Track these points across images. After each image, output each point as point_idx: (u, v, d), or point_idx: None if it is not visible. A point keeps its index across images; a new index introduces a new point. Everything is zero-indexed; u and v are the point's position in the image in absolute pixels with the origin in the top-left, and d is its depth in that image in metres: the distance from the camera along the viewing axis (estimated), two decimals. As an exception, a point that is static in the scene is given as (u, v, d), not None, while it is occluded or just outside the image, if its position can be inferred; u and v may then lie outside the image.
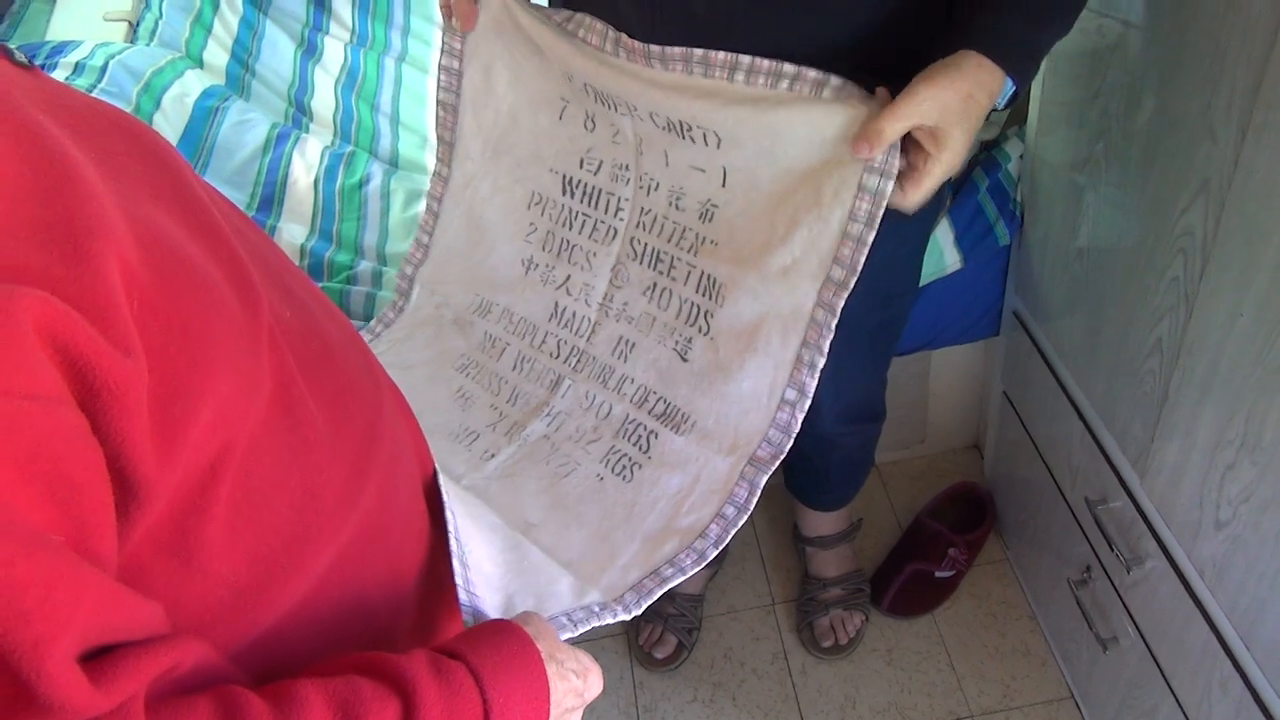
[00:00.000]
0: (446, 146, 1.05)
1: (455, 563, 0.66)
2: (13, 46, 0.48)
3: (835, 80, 0.75)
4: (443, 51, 1.01)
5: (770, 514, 1.71)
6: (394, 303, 1.09)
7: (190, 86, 1.50)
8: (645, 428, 0.88)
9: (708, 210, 0.87)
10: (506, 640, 0.54)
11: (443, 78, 1.02)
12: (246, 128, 1.47)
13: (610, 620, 0.75)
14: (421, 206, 1.36)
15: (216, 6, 1.72)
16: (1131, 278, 1.03)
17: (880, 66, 0.79)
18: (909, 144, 0.77)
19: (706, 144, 0.83)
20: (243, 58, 1.66)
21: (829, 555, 1.55)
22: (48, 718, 0.35)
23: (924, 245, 1.15)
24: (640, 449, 0.88)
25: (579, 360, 0.96)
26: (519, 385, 0.98)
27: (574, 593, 0.76)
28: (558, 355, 0.97)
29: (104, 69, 1.46)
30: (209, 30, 1.68)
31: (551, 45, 0.91)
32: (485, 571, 0.71)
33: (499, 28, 0.96)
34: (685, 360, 0.88)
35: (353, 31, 1.75)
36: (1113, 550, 1.13)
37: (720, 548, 0.79)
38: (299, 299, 0.56)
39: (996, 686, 1.47)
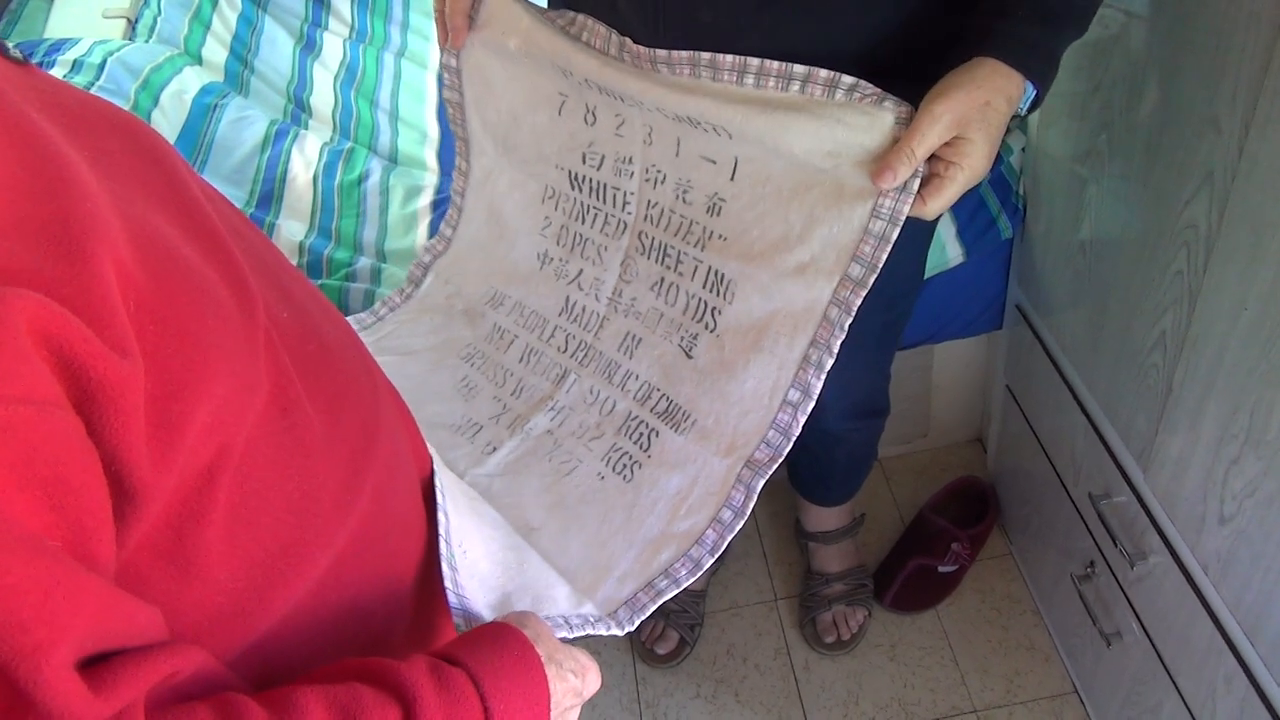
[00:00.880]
0: (463, 142, 1.05)
1: (444, 566, 0.65)
2: (9, 42, 0.48)
3: (847, 80, 0.73)
4: (444, 50, 1.01)
5: (772, 509, 1.71)
6: (402, 289, 1.08)
7: (189, 83, 1.50)
8: (647, 425, 0.88)
9: (715, 204, 0.86)
10: (507, 646, 0.54)
11: (445, 76, 1.02)
12: (245, 124, 1.46)
13: (604, 633, 0.74)
14: (423, 200, 1.36)
15: (215, 3, 1.71)
16: (1135, 271, 1.03)
17: (889, 69, 0.78)
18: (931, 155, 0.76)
19: (718, 134, 0.82)
20: (242, 54, 1.65)
21: (831, 550, 1.54)
22: None
23: (927, 243, 1.14)
24: (641, 447, 0.87)
25: (585, 355, 0.95)
26: (524, 378, 0.97)
27: (570, 602, 0.76)
28: (565, 349, 0.97)
29: (102, 66, 1.45)
30: (208, 27, 1.68)
31: (549, 45, 0.90)
32: (481, 571, 0.70)
33: (489, 42, 0.96)
34: (690, 357, 0.87)
35: (352, 27, 1.74)
36: (1116, 545, 1.13)
37: (716, 556, 0.79)
38: (296, 300, 0.56)
39: (1000, 682, 1.47)
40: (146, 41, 1.61)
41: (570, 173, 0.97)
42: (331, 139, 1.52)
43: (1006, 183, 1.28)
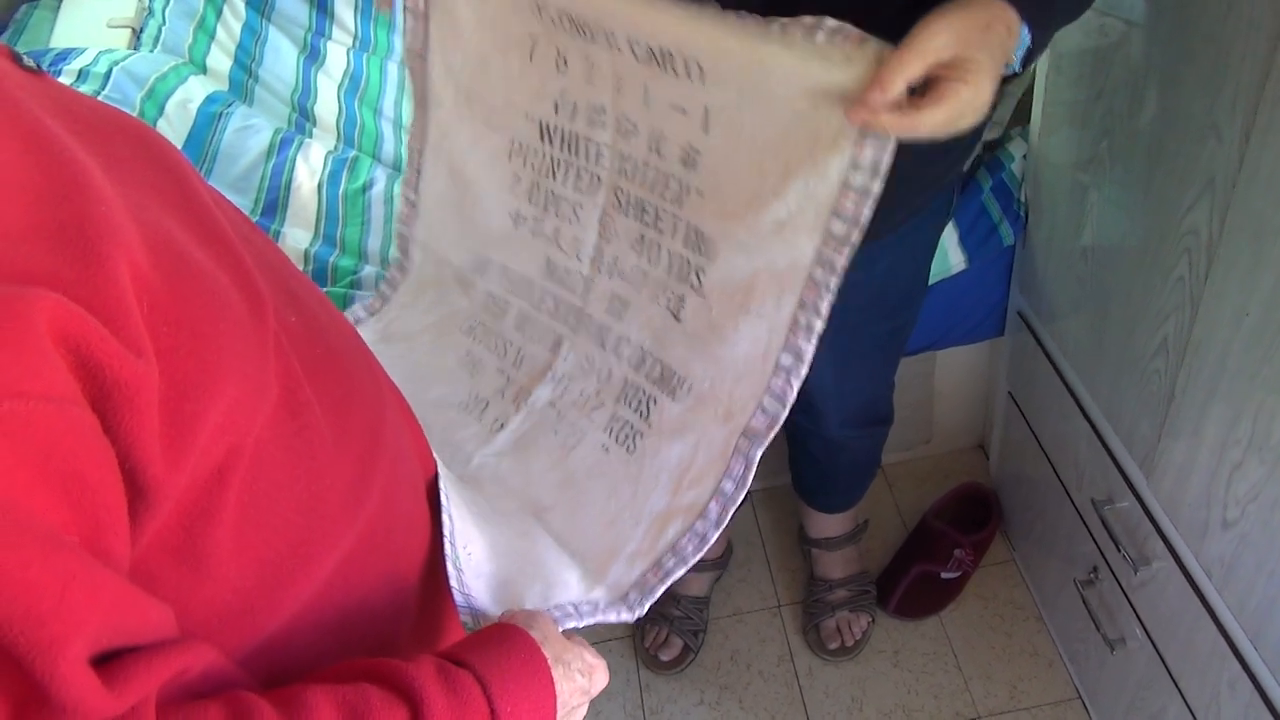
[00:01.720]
0: (420, 99, 0.99)
1: (449, 566, 0.66)
2: (20, 52, 0.48)
3: (830, 22, 0.68)
4: None
5: (775, 516, 1.71)
6: (399, 263, 1.06)
7: (194, 92, 1.51)
8: (644, 392, 0.86)
9: (690, 156, 0.81)
10: (514, 648, 0.54)
11: (409, 21, 0.96)
12: (250, 133, 1.47)
13: (614, 619, 0.74)
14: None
15: (219, 12, 1.72)
16: (1137, 277, 1.03)
17: (882, 23, 0.71)
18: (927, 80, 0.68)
19: (690, 77, 0.76)
20: (246, 63, 1.66)
21: (835, 557, 1.54)
22: (61, 719, 0.35)
23: (931, 251, 1.13)
24: (641, 415, 0.86)
25: (577, 319, 0.93)
26: (523, 346, 0.96)
27: (581, 587, 0.76)
28: (556, 314, 0.95)
29: (108, 75, 1.46)
30: (212, 36, 1.68)
31: None
32: (487, 570, 0.71)
33: None
34: (679, 320, 0.84)
35: (355, 36, 1.75)
36: (1120, 551, 1.13)
37: (720, 528, 0.77)
38: (303, 304, 0.56)
39: (1003, 688, 1.47)
40: (151, 51, 1.62)
41: (541, 123, 0.91)
42: (336, 147, 1.53)
43: (1008, 190, 1.28)
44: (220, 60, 1.65)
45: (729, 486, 0.78)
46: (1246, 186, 0.82)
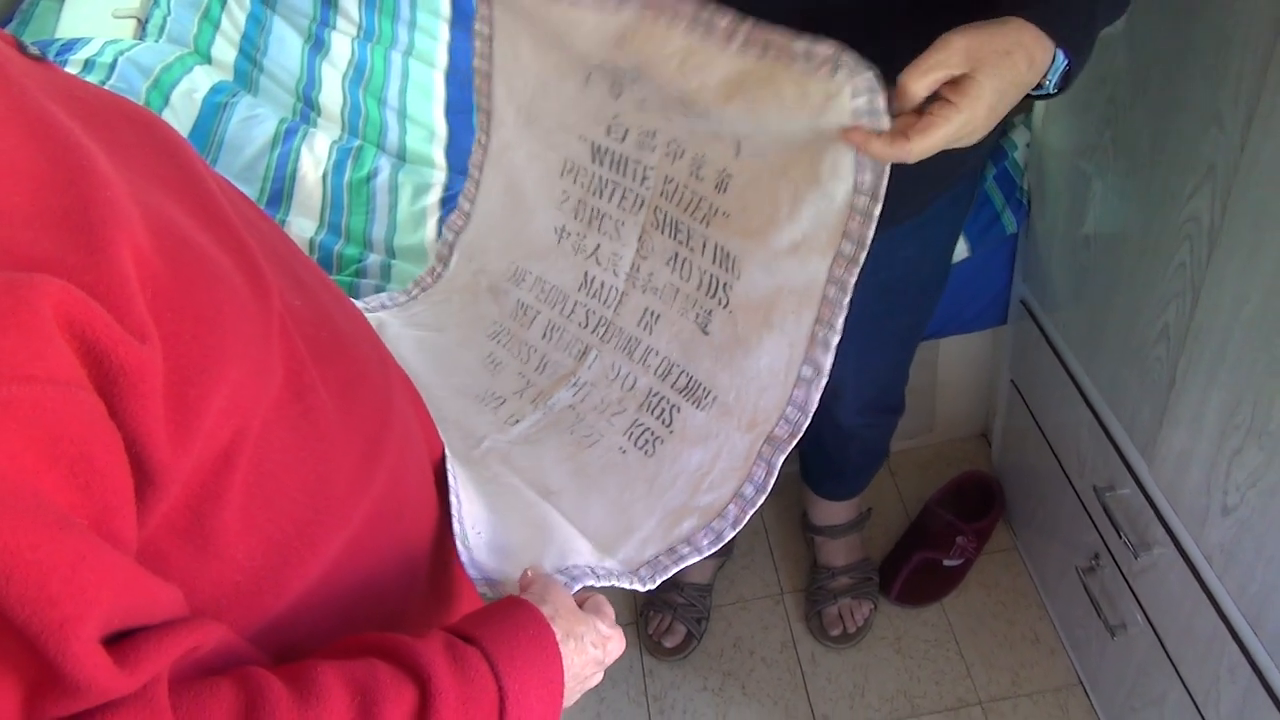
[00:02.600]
0: (484, 114, 1.04)
1: (459, 545, 0.67)
2: (24, 40, 0.49)
3: (799, 45, 0.70)
4: (475, 17, 1.00)
5: (779, 503, 1.72)
6: (432, 269, 1.09)
7: (199, 82, 1.51)
8: (668, 401, 0.88)
9: (723, 181, 0.86)
10: (522, 624, 0.55)
11: (477, 44, 1.01)
12: (255, 123, 1.48)
13: (626, 586, 0.75)
14: (431, 198, 1.37)
15: (225, 3, 1.73)
16: (1138, 264, 1.03)
17: (887, 29, 0.72)
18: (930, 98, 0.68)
19: (709, 119, 0.83)
20: (251, 53, 1.66)
21: (838, 544, 1.55)
22: (74, 699, 0.35)
23: (952, 242, 1.13)
24: (663, 423, 0.88)
25: (606, 331, 0.96)
26: (548, 354, 0.98)
27: (594, 556, 0.77)
28: (586, 325, 0.97)
29: (113, 66, 1.46)
30: (217, 26, 1.69)
31: (562, 19, 0.89)
32: (500, 544, 0.72)
33: (522, 9, 0.95)
34: (706, 333, 0.88)
35: (360, 26, 1.75)
36: (1121, 537, 1.14)
37: (738, 529, 0.79)
38: (309, 287, 0.57)
39: (1005, 674, 1.48)
40: (157, 41, 1.62)
41: (593, 145, 0.96)
42: (340, 137, 1.54)
43: (1011, 178, 1.29)
44: (225, 50, 1.65)
45: (749, 490, 0.81)
46: (1248, 174, 0.82)
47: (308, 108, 1.60)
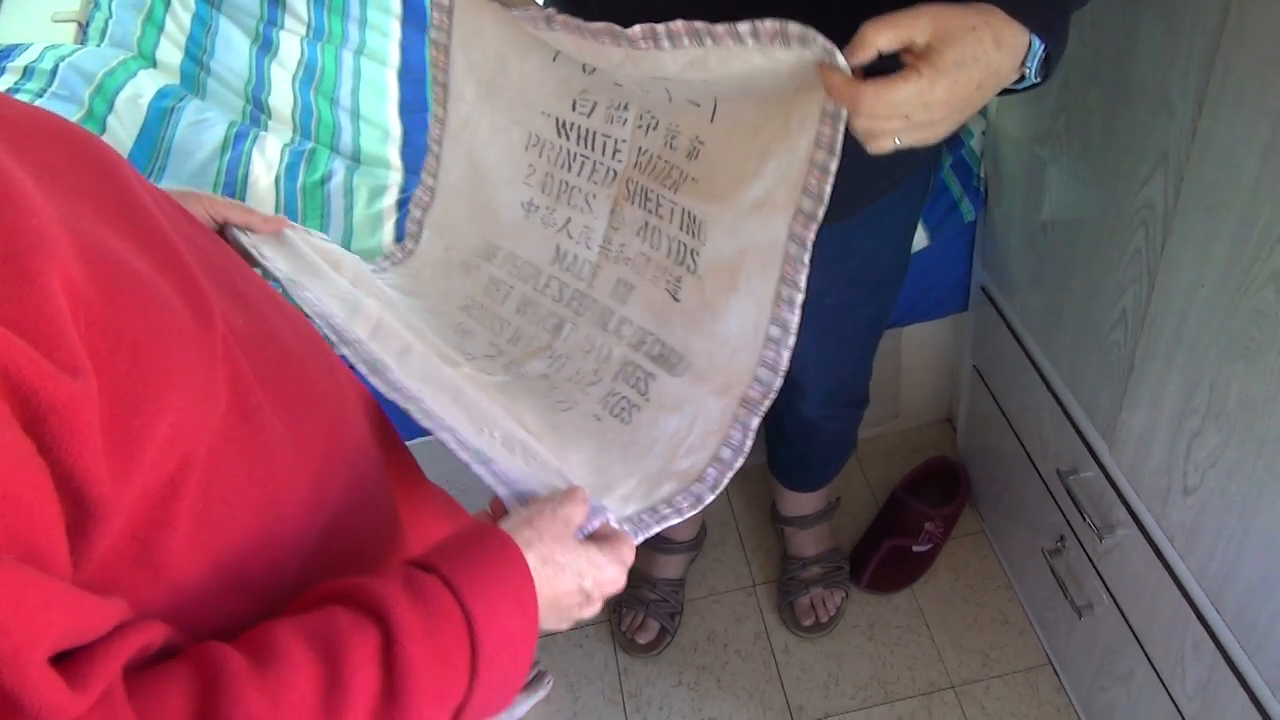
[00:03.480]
0: (441, 88, 1.02)
1: (478, 470, 0.65)
2: None
3: (743, 26, 0.69)
4: None
5: (748, 495, 1.72)
6: (404, 245, 1.07)
7: (144, 87, 1.48)
8: (643, 370, 0.88)
9: (695, 148, 0.86)
10: (484, 545, 0.52)
11: (435, 15, 1.00)
12: (204, 127, 1.44)
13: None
14: (388, 200, 1.35)
15: (168, 3, 1.69)
16: (1095, 250, 1.04)
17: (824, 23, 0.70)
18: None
19: (694, 84, 0.82)
20: (197, 55, 1.63)
21: (807, 535, 1.56)
22: None
23: (910, 233, 1.13)
24: (639, 391, 0.87)
25: (580, 303, 0.95)
26: (522, 327, 0.97)
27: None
28: (560, 299, 0.97)
29: (54, 72, 1.43)
30: (161, 28, 1.65)
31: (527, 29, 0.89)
32: (519, 437, 0.71)
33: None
34: (677, 300, 0.88)
35: (308, 25, 1.72)
36: (1085, 519, 1.15)
37: (717, 492, 0.79)
38: (253, 304, 0.56)
39: (976, 657, 1.49)
40: (99, 45, 1.58)
41: (558, 120, 0.95)
42: (292, 140, 1.51)
43: (968, 166, 1.29)
44: (170, 53, 1.62)
45: (727, 454, 0.81)
46: (1199, 160, 0.83)
47: (258, 110, 1.57)
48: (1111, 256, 1.01)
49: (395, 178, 1.42)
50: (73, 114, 1.38)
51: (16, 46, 1.49)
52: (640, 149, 0.91)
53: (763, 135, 0.78)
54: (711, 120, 0.83)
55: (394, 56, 1.67)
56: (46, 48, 1.48)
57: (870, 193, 0.97)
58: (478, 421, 0.72)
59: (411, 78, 1.62)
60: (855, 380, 1.31)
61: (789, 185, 0.77)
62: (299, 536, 0.53)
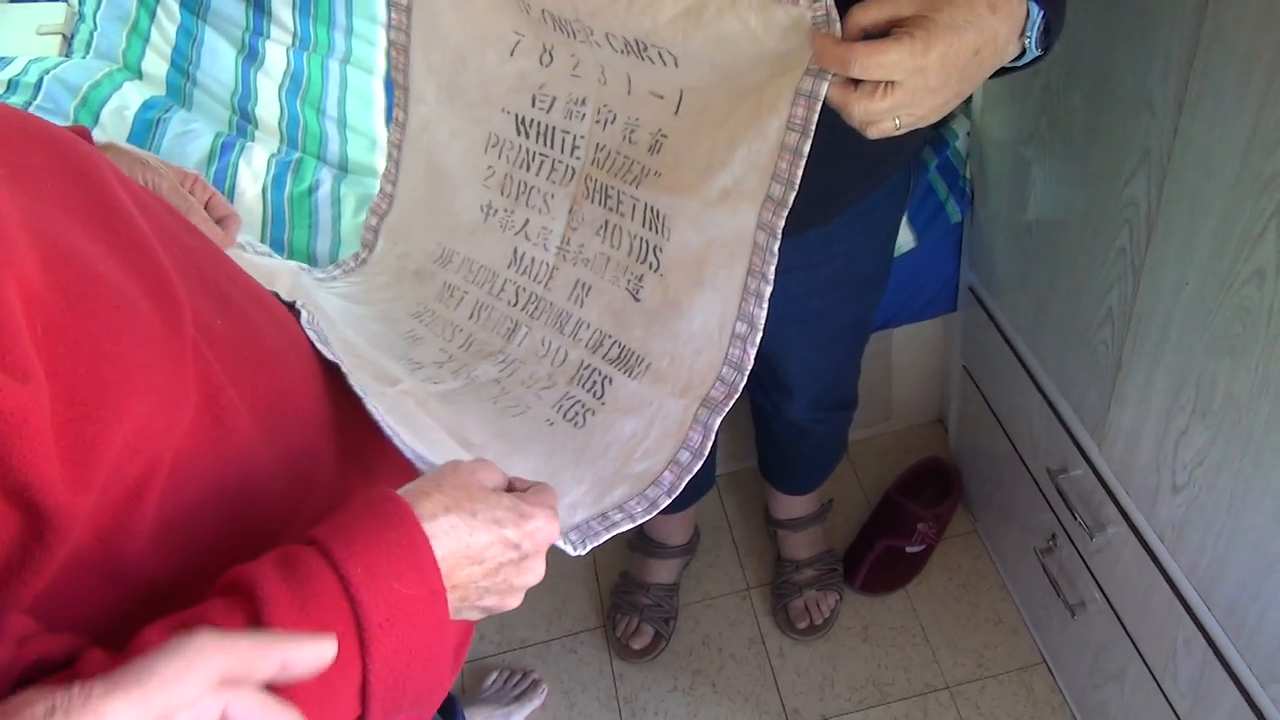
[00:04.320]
0: (402, 90, 1.00)
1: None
2: None
3: None
4: None
5: (741, 499, 1.72)
6: (356, 254, 1.05)
7: (129, 99, 1.47)
8: (600, 373, 0.86)
9: (657, 141, 0.83)
10: (366, 506, 0.48)
11: (394, 16, 0.97)
12: (190, 138, 1.44)
13: (557, 544, 0.68)
14: (376, 180, 1.34)
15: (153, 15, 1.68)
16: (1080, 250, 1.05)
17: None
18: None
19: (665, 64, 0.79)
20: (183, 66, 1.62)
21: (800, 537, 1.56)
22: None
23: (892, 235, 1.13)
24: (594, 395, 0.85)
25: (536, 307, 0.93)
26: (474, 333, 0.95)
27: None
28: (515, 303, 0.94)
29: (39, 85, 1.42)
30: (146, 40, 1.64)
31: None
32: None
33: None
34: (637, 300, 0.85)
35: (294, 35, 1.72)
36: (1075, 518, 1.15)
37: (673, 496, 0.76)
38: (235, 304, 0.55)
39: (971, 657, 1.49)
40: (84, 57, 1.58)
41: (517, 117, 0.93)
42: (279, 150, 1.50)
43: (953, 167, 1.30)
44: (156, 64, 1.61)
45: (685, 456, 0.78)
46: (1180, 158, 0.83)
47: (244, 120, 1.56)
48: (1097, 255, 1.01)
49: (382, 186, 1.42)
50: (58, 127, 1.37)
51: (0, 60, 1.48)
52: (598, 145, 0.88)
53: (731, 123, 0.75)
54: (676, 112, 0.80)
55: (380, 65, 1.67)
56: (31, 60, 1.48)
57: (853, 193, 0.97)
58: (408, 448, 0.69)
59: (398, 86, 1.62)
60: (842, 383, 1.31)
61: (759, 171, 0.73)
62: (277, 540, 0.53)
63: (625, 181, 0.86)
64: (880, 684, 1.48)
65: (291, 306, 0.70)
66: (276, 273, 0.91)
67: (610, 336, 0.87)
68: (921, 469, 1.67)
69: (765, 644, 1.54)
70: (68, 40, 1.62)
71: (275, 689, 0.40)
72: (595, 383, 0.86)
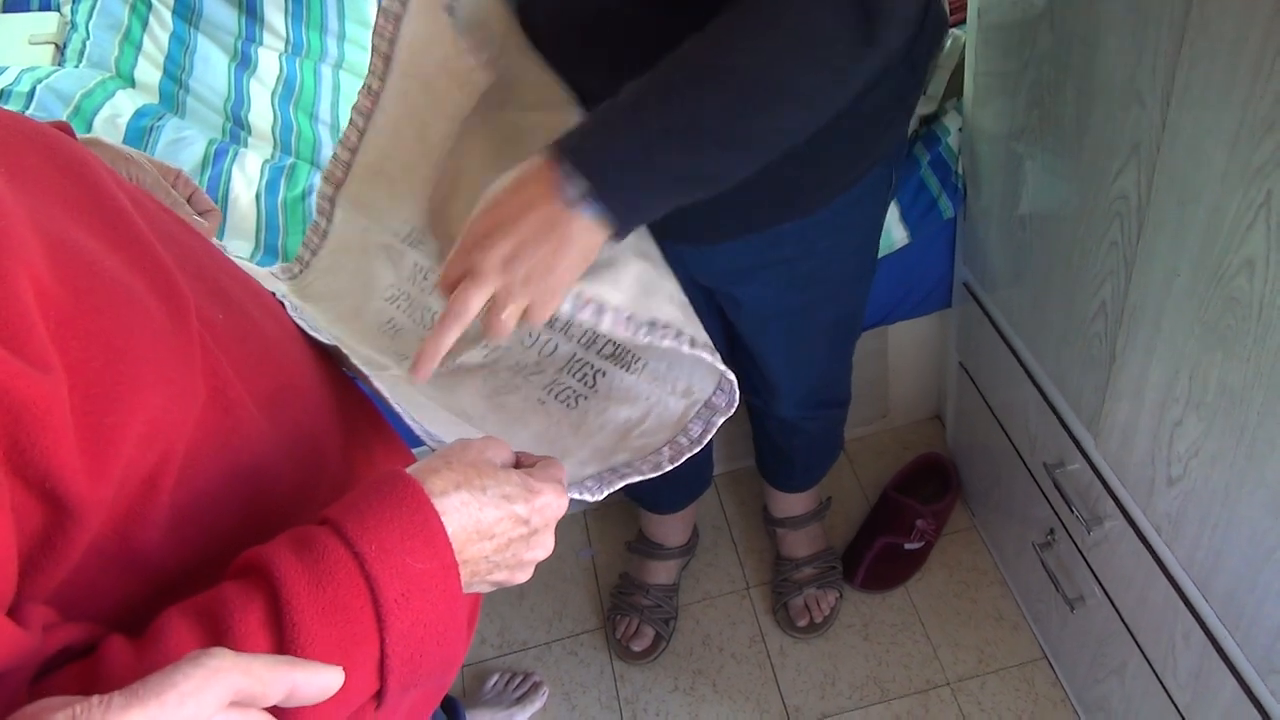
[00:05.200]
0: (381, 57, 0.94)
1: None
2: None
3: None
4: None
5: (740, 498, 1.72)
6: (315, 224, 1.00)
7: (122, 107, 1.47)
8: (592, 366, 0.84)
9: None
10: (377, 486, 0.49)
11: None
12: (183, 145, 1.44)
13: (575, 496, 0.69)
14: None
15: (145, 23, 1.68)
16: (1073, 243, 1.05)
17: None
18: None
19: None
20: (175, 74, 1.63)
21: (799, 535, 1.56)
22: None
23: (875, 232, 1.12)
24: (586, 384, 0.84)
25: None
26: None
27: None
28: None
29: (31, 94, 1.42)
30: (139, 48, 1.65)
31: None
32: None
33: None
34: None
35: (287, 41, 1.72)
36: (1073, 512, 1.15)
37: (675, 465, 0.76)
38: (235, 300, 0.56)
39: (971, 653, 1.49)
40: (76, 66, 1.58)
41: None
42: (272, 155, 1.51)
43: (946, 163, 1.30)
44: (149, 72, 1.61)
45: (684, 441, 0.78)
46: (1169, 150, 0.83)
47: (237, 127, 1.57)
48: (1089, 249, 1.01)
49: (376, 191, 1.42)
50: (51, 136, 1.37)
51: (-7, 70, 1.48)
52: None
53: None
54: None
55: (373, 70, 1.67)
56: (23, 70, 1.48)
57: (834, 187, 0.96)
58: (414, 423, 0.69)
59: (391, 90, 1.62)
60: (832, 380, 1.30)
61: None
62: (289, 525, 0.53)
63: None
64: (881, 681, 1.48)
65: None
66: (256, 275, 0.91)
67: (604, 335, 0.86)
68: (919, 466, 1.67)
69: (765, 643, 1.54)
70: (60, 49, 1.62)
71: (282, 650, 0.41)
72: (587, 375, 0.85)
